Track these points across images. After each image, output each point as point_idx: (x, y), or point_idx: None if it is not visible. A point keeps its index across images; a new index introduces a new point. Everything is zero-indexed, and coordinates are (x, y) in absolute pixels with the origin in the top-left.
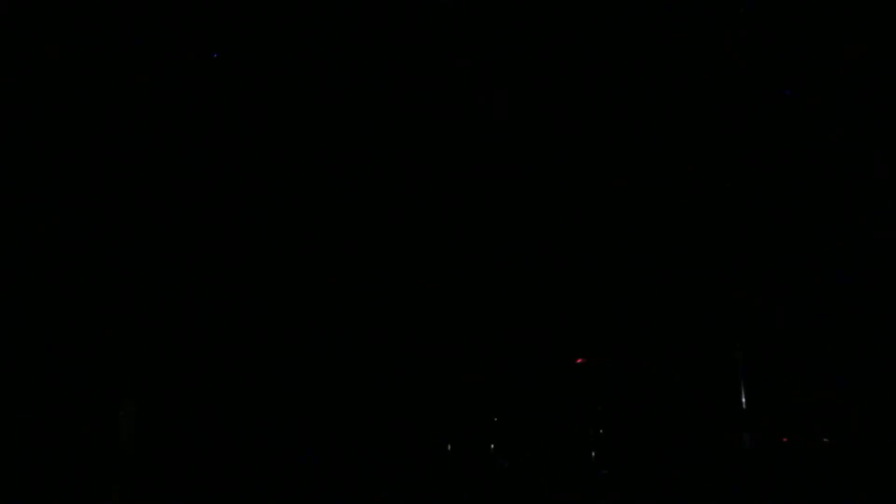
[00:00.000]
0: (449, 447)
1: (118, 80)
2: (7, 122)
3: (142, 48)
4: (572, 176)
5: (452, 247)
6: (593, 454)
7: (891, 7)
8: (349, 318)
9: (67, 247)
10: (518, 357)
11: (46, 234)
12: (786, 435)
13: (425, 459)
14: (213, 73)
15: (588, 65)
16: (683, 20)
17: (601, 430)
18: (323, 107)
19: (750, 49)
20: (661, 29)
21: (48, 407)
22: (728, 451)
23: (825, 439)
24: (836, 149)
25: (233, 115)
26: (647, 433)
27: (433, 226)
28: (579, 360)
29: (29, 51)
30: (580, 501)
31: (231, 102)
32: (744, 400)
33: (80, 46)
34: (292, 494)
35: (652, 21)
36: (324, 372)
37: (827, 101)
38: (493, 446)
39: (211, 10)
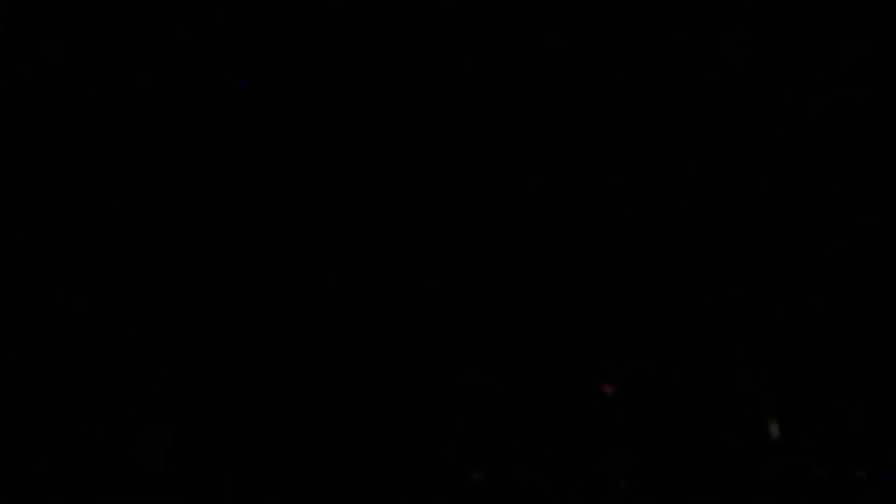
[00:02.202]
0: (475, 475)
1: (121, 80)
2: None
3: (142, 49)
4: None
5: (486, 270)
6: (624, 483)
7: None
8: (379, 341)
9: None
10: (548, 382)
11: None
12: (817, 465)
13: (451, 486)
14: (214, 73)
15: (595, 67)
16: (683, 20)
17: (630, 457)
18: (324, 106)
19: (750, 49)
20: (661, 29)
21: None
22: (758, 477)
23: (861, 472)
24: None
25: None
26: (677, 460)
27: (471, 246)
28: (608, 388)
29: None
30: None
31: (231, 102)
32: (775, 429)
33: (83, 47)
34: None
35: (652, 21)
36: (349, 390)
37: (827, 100)
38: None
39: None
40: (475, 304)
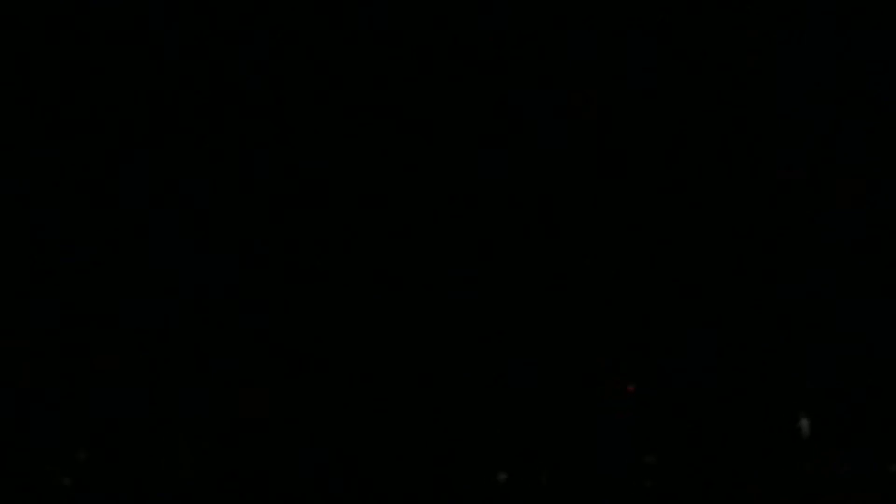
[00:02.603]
0: (501, 476)
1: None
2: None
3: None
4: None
5: (511, 269)
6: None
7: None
8: (403, 342)
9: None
10: (568, 383)
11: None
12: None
13: (477, 486)
14: (219, 71)
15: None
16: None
17: (656, 456)
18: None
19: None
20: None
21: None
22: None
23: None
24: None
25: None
26: (704, 458)
27: (491, 248)
28: (630, 389)
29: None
30: None
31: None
32: (806, 425)
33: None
34: None
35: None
36: (371, 396)
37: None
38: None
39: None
40: (499, 304)
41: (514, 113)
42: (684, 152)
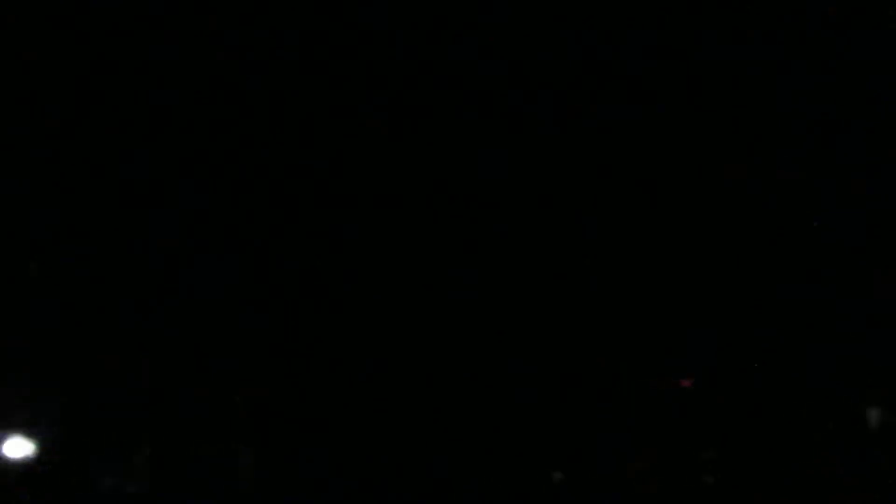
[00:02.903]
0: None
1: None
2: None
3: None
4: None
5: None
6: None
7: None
8: (464, 346)
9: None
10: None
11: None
12: None
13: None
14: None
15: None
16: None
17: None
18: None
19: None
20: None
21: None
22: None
23: None
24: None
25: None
26: (765, 453)
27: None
28: (685, 383)
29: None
30: None
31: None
32: (875, 417)
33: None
34: None
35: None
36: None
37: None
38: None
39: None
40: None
41: (513, 113)
42: (684, 152)
